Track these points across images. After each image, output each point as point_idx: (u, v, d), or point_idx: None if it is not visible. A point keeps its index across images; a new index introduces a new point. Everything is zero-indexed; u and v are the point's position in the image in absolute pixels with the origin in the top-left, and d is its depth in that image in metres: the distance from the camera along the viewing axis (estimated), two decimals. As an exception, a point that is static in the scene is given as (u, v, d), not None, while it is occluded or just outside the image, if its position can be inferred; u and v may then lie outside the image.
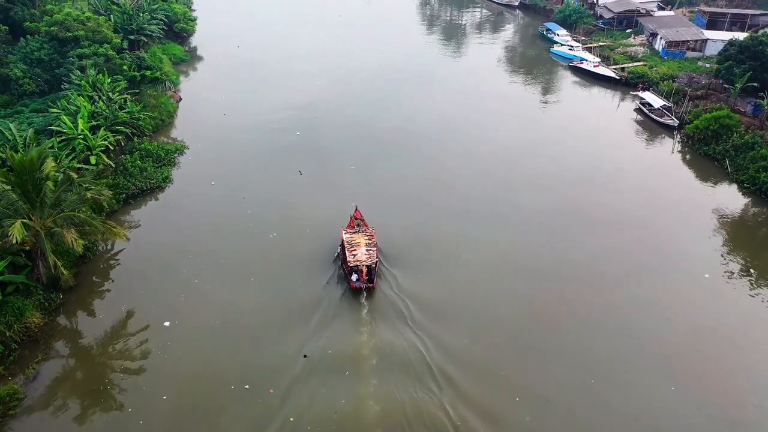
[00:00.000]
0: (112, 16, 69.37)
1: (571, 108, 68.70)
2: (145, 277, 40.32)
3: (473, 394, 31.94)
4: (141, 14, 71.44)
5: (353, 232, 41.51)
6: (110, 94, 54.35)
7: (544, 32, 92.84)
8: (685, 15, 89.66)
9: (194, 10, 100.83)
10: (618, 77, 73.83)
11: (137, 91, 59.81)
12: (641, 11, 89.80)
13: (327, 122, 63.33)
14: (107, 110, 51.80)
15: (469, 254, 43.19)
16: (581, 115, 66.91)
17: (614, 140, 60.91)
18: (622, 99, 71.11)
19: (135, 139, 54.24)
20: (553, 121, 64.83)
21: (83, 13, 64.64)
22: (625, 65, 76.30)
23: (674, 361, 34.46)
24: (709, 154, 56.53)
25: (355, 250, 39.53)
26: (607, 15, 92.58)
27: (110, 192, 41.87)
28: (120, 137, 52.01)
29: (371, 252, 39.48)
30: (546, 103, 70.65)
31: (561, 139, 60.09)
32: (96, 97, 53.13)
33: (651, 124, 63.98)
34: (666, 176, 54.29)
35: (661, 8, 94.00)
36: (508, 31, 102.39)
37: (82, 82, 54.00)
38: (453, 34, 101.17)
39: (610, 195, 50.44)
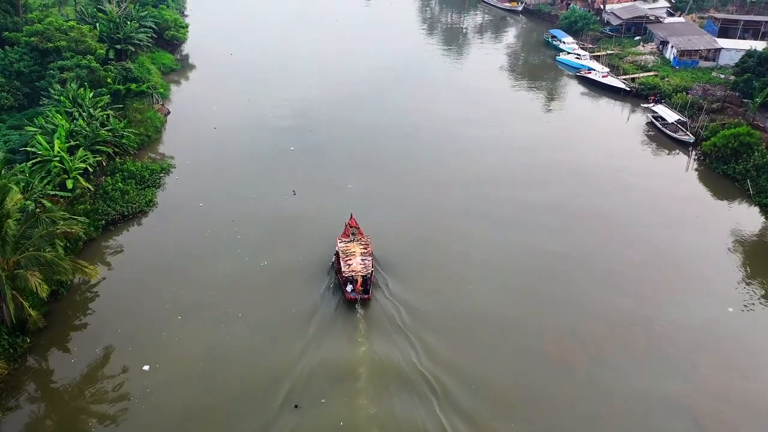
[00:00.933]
0: (98, 24, 66.11)
1: (578, 121, 65.36)
2: (123, 313, 37.09)
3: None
4: (128, 22, 68.15)
5: (348, 241, 40.50)
6: (91, 110, 51.03)
7: (549, 39, 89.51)
8: (695, 21, 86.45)
9: (186, 16, 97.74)
10: (628, 89, 70.40)
11: (121, 105, 56.51)
12: (650, 18, 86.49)
13: (323, 133, 60.66)
14: (87, 128, 48.49)
15: (471, 262, 41.16)
16: (589, 128, 63.59)
17: (625, 156, 57.52)
18: (633, 111, 67.77)
19: (117, 158, 50.87)
20: (560, 134, 61.53)
21: (67, 21, 61.39)
22: (635, 75, 72.96)
23: (700, 412, 31.30)
24: (728, 173, 53.21)
25: (350, 259, 38.68)
26: (615, 21, 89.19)
27: (84, 223, 38.60)
28: (101, 157, 48.63)
29: (366, 262, 38.62)
30: (552, 114, 67.36)
31: (568, 155, 56.71)
32: (76, 114, 49.83)
33: (664, 140, 60.59)
34: (682, 197, 50.89)
35: (670, 14, 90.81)
36: (511, 37, 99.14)
37: (62, 97, 50.70)
38: (454, 39, 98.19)
39: (621, 216, 47.24)
